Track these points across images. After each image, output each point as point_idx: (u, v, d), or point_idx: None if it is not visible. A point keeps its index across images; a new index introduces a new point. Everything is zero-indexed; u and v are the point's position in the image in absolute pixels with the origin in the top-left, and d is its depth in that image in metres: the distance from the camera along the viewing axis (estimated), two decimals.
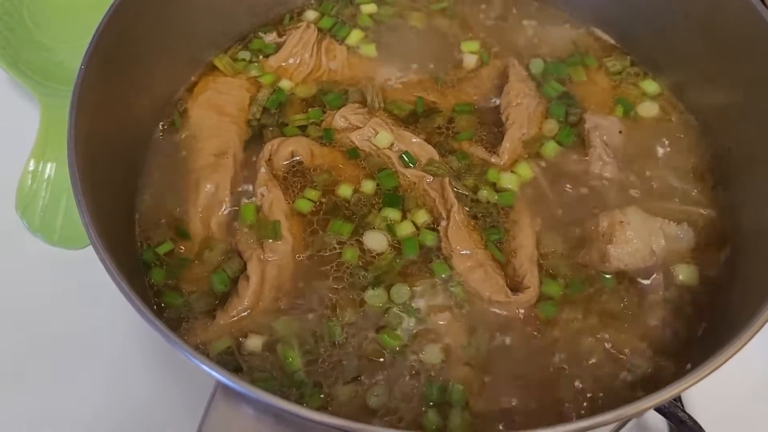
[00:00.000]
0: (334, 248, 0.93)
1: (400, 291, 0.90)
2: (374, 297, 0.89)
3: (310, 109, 1.07)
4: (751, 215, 0.93)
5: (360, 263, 0.92)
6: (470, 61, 1.13)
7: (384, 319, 0.88)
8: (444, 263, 0.92)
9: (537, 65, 1.12)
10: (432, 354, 0.86)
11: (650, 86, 1.10)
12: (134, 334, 1.08)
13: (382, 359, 0.86)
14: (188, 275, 0.93)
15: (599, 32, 1.16)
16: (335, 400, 0.84)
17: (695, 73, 1.05)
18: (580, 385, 0.86)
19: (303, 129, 1.05)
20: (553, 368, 0.87)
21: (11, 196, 1.21)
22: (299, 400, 0.83)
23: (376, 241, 0.94)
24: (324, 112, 1.07)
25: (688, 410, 1.00)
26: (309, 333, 0.87)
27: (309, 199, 0.98)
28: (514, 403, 0.85)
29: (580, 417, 0.82)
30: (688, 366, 0.86)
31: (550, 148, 1.02)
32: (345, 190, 0.98)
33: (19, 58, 1.33)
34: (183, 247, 0.95)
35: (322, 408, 0.83)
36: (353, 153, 1.01)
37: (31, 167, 1.23)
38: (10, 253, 1.18)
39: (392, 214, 0.95)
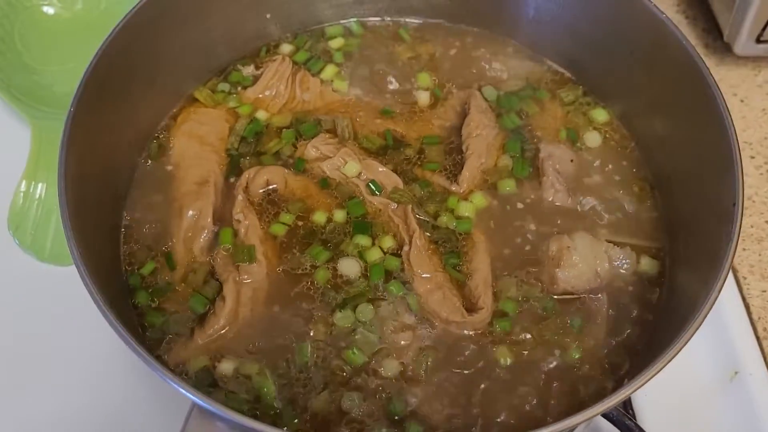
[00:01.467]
0: (307, 270, 1.00)
1: (365, 310, 0.97)
2: (342, 318, 0.96)
3: (284, 130, 1.14)
4: (688, 239, 1.01)
5: (329, 285, 0.99)
6: (423, 98, 1.19)
7: (350, 337, 0.95)
8: (399, 282, 0.99)
9: (490, 93, 1.18)
10: (392, 370, 0.93)
11: (600, 115, 1.17)
12: (119, 349, 1.11)
13: (345, 374, 0.93)
14: (172, 296, 0.99)
15: (556, 66, 1.23)
16: (309, 414, 0.91)
17: (640, 104, 1.13)
18: (531, 400, 0.94)
19: (276, 154, 1.12)
20: (507, 384, 0.94)
21: (3, 215, 1.27)
22: (275, 423, 0.89)
23: (349, 267, 1.01)
24: (299, 135, 1.13)
25: (638, 419, 1.09)
26: (281, 358, 0.94)
27: (284, 223, 1.04)
28: (471, 417, 0.92)
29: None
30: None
31: (508, 184, 1.09)
32: (320, 217, 1.05)
33: (11, 82, 1.38)
34: (167, 274, 1.01)
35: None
36: (324, 182, 1.08)
37: (23, 188, 1.28)
38: (2, 269, 1.24)
39: (363, 240, 1.02)
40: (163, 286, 1.00)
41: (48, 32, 1.47)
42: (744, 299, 1.25)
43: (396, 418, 0.91)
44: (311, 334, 0.96)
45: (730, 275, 1.27)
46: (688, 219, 1.02)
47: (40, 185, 1.29)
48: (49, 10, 1.49)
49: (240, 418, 0.70)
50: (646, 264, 1.04)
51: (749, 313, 1.23)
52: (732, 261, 0.84)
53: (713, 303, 0.82)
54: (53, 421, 1.10)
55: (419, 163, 1.11)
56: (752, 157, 1.42)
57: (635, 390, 0.78)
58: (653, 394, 1.14)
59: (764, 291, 1.26)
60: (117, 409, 1.10)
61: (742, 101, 1.50)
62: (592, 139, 1.15)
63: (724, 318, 1.20)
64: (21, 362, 1.15)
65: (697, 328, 0.81)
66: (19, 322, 1.19)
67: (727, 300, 1.23)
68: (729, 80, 1.53)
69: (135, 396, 1.11)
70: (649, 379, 0.78)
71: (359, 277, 1.00)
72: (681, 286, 0.98)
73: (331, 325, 0.96)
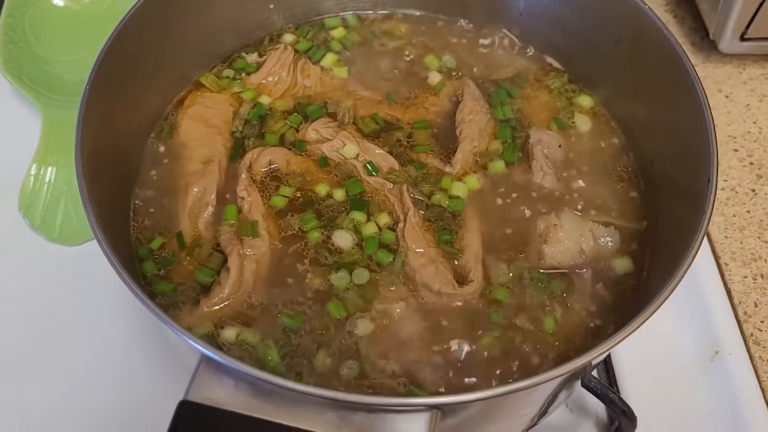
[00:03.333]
0: (296, 231, 1.06)
1: (362, 274, 1.02)
2: (339, 279, 1.01)
3: (294, 114, 1.19)
4: (667, 221, 1.06)
5: (321, 247, 1.04)
6: (435, 78, 1.26)
7: (340, 296, 1.01)
8: (386, 251, 1.04)
9: (482, 83, 1.24)
10: (366, 331, 0.99)
11: (584, 101, 1.23)
12: (127, 319, 1.20)
13: (329, 332, 0.98)
14: (178, 269, 1.04)
15: (545, 56, 1.29)
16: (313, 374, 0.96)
17: (624, 92, 1.18)
18: (516, 367, 0.98)
19: (281, 137, 1.17)
20: (492, 352, 0.99)
21: (15, 197, 1.33)
22: None
23: (343, 239, 1.05)
24: (305, 120, 1.18)
25: (622, 396, 1.13)
26: (279, 328, 0.98)
27: (284, 196, 1.09)
28: (460, 381, 0.97)
29: None
30: None
31: (498, 166, 1.14)
32: (321, 189, 1.10)
33: (22, 70, 1.44)
34: (174, 249, 1.05)
35: None
36: (323, 162, 1.13)
37: (34, 171, 1.34)
38: (14, 248, 1.30)
39: (358, 216, 1.07)
40: (170, 259, 1.04)
41: (57, 24, 1.53)
42: (726, 285, 1.31)
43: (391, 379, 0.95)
44: (309, 290, 1.01)
45: (713, 262, 1.32)
46: (668, 200, 1.07)
47: (50, 169, 1.35)
48: (59, 3, 1.55)
49: (248, 369, 0.74)
50: (622, 264, 1.07)
51: (731, 298, 1.29)
52: (706, 231, 0.88)
53: (687, 268, 0.85)
54: (59, 394, 1.15)
55: (409, 145, 1.16)
56: (736, 150, 1.48)
57: (612, 347, 0.82)
58: (637, 372, 1.20)
59: (745, 277, 1.32)
60: (128, 375, 1.16)
61: (727, 97, 1.56)
62: (582, 122, 1.21)
63: (707, 302, 1.26)
64: (30, 338, 1.21)
65: (673, 290, 0.85)
66: (29, 299, 1.24)
67: (709, 285, 1.29)
68: (714, 77, 1.59)
69: (144, 363, 1.16)
70: (625, 338, 0.82)
71: (352, 248, 1.04)
72: (660, 262, 1.02)
73: (324, 284, 1.01)
